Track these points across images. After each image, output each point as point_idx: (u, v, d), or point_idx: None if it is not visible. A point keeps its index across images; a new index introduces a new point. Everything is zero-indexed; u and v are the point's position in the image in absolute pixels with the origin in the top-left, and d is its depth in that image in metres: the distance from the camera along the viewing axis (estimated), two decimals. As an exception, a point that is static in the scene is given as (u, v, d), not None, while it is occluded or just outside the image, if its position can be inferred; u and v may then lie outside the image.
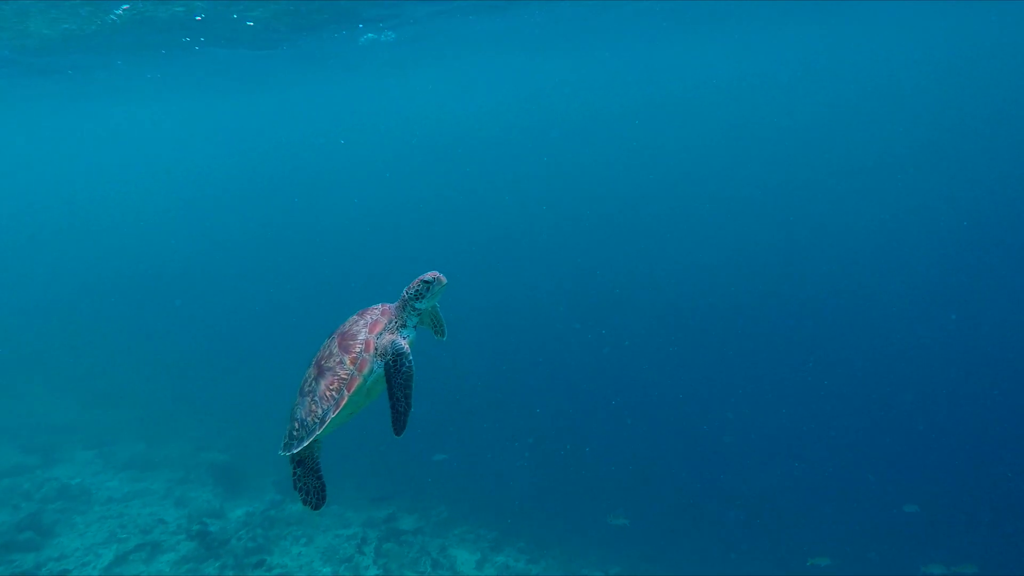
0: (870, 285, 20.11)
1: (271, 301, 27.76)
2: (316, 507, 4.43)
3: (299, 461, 4.45)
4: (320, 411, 4.16)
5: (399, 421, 4.03)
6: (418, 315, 4.24)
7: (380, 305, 4.35)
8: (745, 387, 16.91)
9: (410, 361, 4.05)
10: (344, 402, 4.11)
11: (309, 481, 4.45)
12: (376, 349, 4.14)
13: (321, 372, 4.23)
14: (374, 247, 31.64)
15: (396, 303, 4.29)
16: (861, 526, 11.95)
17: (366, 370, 4.11)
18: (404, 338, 4.18)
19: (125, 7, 13.55)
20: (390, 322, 4.23)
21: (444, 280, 4.15)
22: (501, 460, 14.80)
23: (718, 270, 24.30)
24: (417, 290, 4.16)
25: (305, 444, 4.19)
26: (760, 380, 17.09)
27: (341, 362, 4.16)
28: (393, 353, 4.08)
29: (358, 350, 4.15)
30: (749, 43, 28.86)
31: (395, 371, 4.05)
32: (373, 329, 4.19)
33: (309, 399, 4.22)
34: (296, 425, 4.26)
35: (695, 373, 17.84)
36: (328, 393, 4.16)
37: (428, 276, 4.15)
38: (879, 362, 17.11)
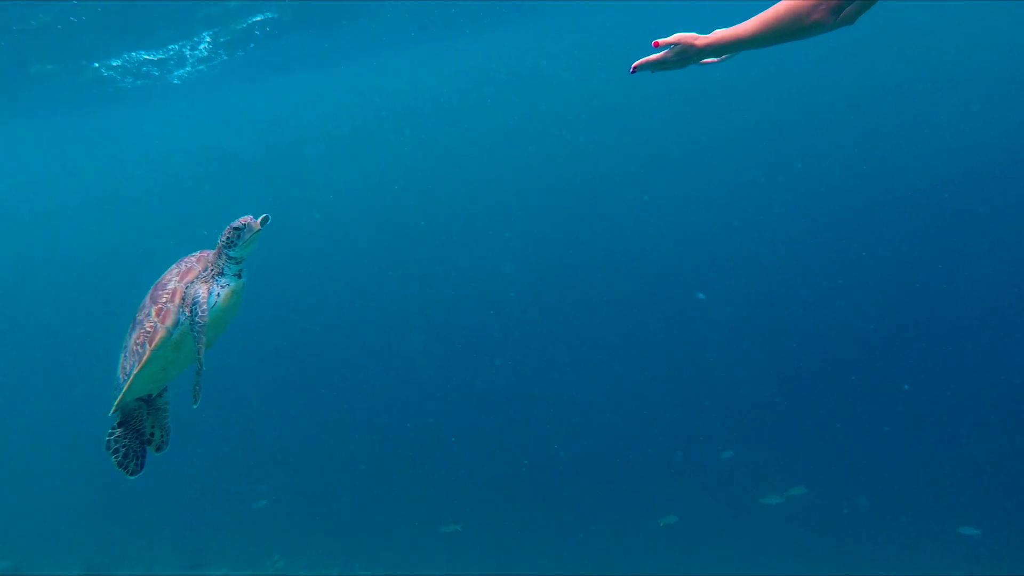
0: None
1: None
2: (132, 473, 4.09)
3: (120, 422, 4.14)
4: (127, 368, 3.93)
5: (197, 384, 3.78)
6: (236, 263, 3.90)
7: (199, 252, 4.00)
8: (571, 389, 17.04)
9: (204, 311, 3.77)
10: (147, 357, 3.83)
11: (130, 443, 4.13)
12: (184, 299, 3.83)
13: (133, 325, 3.98)
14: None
15: (211, 252, 3.94)
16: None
17: (169, 322, 3.82)
18: (224, 286, 3.87)
19: None
20: (205, 269, 3.90)
21: (257, 227, 3.80)
22: (332, 490, 14.08)
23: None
24: (228, 238, 3.83)
25: (114, 404, 3.99)
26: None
27: (148, 314, 3.90)
28: (191, 303, 3.79)
29: (163, 300, 3.86)
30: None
31: (192, 323, 3.78)
32: (184, 277, 3.88)
33: (123, 355, 4.00)
34: (115, 383, 4.01)
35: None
36: (135, 348, 3.91)
37: (238, 222, 3.82)
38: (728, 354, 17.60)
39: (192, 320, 3.78)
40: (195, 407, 3.90)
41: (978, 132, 22.45)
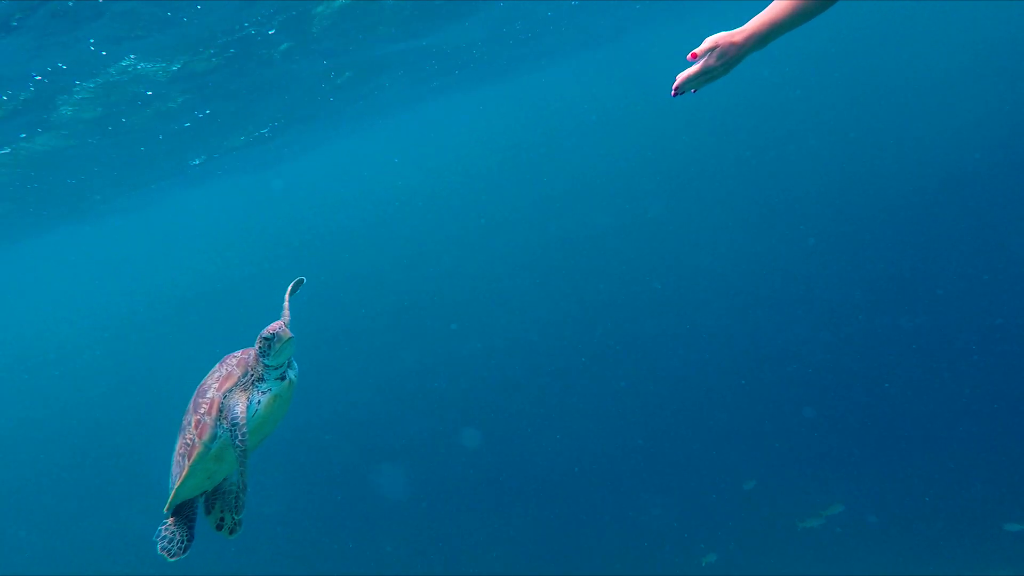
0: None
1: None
2: (173, 556, 3.97)
3: (175, 511, 4.02)
4: (174, 475, 3.82)
5: (239, 499, 3.75)
6: (276, 369, 3.69)
7: (241, 353, 3.80)
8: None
9: (244, 432, 3.56)
10: (186, 472, 3.71)
11: (178, 530, 4.01)
12: (221, 411, 3.64)
13: (180, 429, 3.84)
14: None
15: (253, 351, 3.73)
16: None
17: (206, 437, 3.66)
18: (265, 392, 3.68)
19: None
20: (244, 375, 3.70)
21: (286, 335, 3.58)
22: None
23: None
24: (260, 348, 3.64)
25: (166, 505, 3.91)
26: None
27: (189, 423, 3.76)
28: (230, 421, 3.60)
29: (202, 410, 3.69)
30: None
31: (231, 438, 3.59)
32: (223, 385, 3.69)
33: (173, 457, 3.88)
34: (170, 482, 3.91)
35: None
36: (178, 458, 3.80)
37: (267, 331, 3.62)
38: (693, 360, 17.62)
39: (232, 436, 3.61)
40: (239, 519, 3.95)
41: (979, 131, 22.60)
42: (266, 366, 3.67)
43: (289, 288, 3.86)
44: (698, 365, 17.04)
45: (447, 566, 12.76)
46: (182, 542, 4.03)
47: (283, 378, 3.72)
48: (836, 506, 9.78)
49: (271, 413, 3.74)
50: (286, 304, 3.82)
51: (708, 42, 2.63)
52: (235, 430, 3.59)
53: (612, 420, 15.99)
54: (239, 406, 3.62)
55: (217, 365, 3.83)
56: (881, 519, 10.11)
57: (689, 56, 2.66)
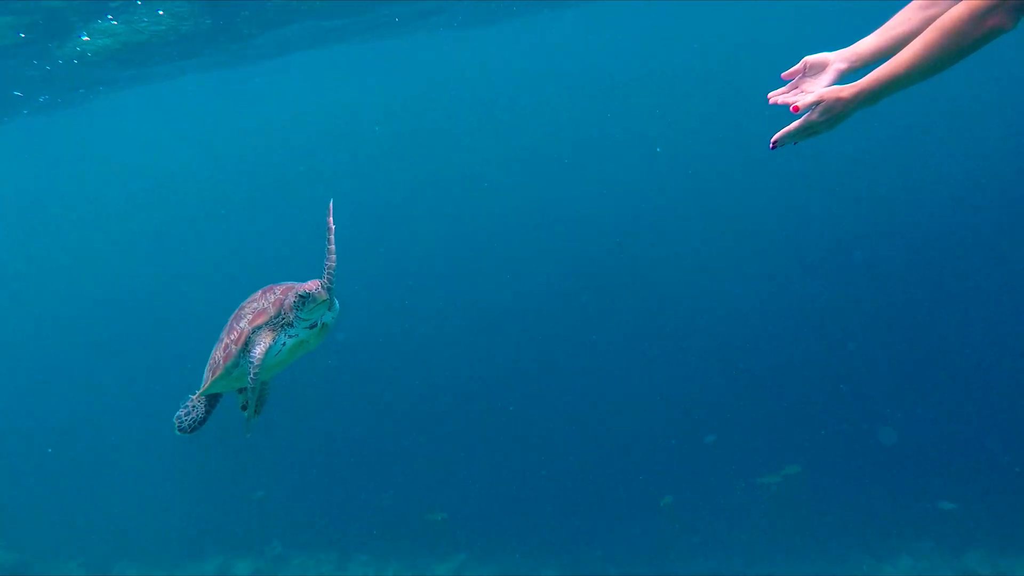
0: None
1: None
2: (182, 431, 4.36)
3: (208, 399, 4.45)
4: (204, 378, 4.26)
5: (247, 421, 4.24)
6: (306, 321, 3.94)
7: (283, 288, 4.03)
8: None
9: (256, 373, 3.91)
10: (207, 384, 4.15)
11: (198, 408, 4.40)
12: (247, 345, 3.95)
13: (219, 339, 4.22)
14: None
15: (293, 293, 3.94)
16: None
17: (229, 362, 4.01)
18: (292, 336, 3.96)
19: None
20: (277, 316, 3.94)
21: (321, 297, 3.80)
22: (329, 480, 14.21)
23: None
24: (294, 302, 3.87)
25: (198, 393, 4.33)
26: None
27: (222, 340, 4.13)
28: (248, 358, 3.96)
29: (232, 338, 4.03)
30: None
31: (248, 370, 3.98)
32: (255, 320, 3.97)
33: (209, 360, 4.28)
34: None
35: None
36: (210, 364, 4.19)
37: (303, 289, 3.83)
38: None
39: (247, 371, 3.96)
40: (247, 436, 4.35)
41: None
42: (298, 316, 3.89)
43: (330, 217, 3.84)
44: (661, 330, 17.45)
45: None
46: (195, 421, 4.35)
47: (314, 326, 3.98)
48: (794, 467, 10.44)
49: (293, 355, 4.04)
50: (331, 244, 3.83)
51: (814, 96, 2.41)
52: (250, 368, 3.91)
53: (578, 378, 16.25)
54: (259, 347, 3.91)
55: (260, 292, 4.10)
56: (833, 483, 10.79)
57: (792, 109, 2.47)
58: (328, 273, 3.83)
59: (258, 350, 3.89)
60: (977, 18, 2.21)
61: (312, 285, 3.81)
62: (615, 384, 15.65)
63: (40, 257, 31.74)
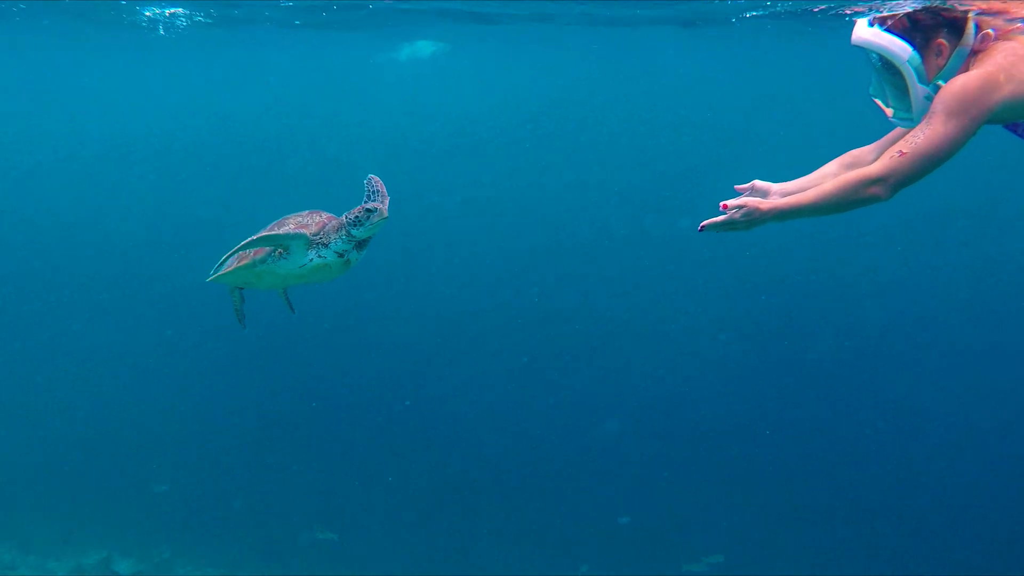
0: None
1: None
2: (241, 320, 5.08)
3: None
4: (226, 260, 4.48)
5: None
6: (350, 241, 4.24)
7: (328, 216, 4.40)
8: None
9: (250, 240, 4.30)
10: (230, 268, 4.45)
11: (237, 297, 4.98)
12: (281, 249, 4.31)
13: (257, 232, 4.45)
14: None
15: (337, 220, 4.31)
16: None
17: (259, 257, 4.33)
18: (322, 257, 4.26)
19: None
20: (316, 234, 4.27)
21: (386, 215, 4.14)
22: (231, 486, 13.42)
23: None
24: (357, 216, 4.16)
25: (211, 276, 4.61)
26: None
27: (258, 233, 4.39)
28: (283, 233, 4.30)
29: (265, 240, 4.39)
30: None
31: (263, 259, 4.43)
32: (297, 229, 4.27)
33: (239, 243, 4.45)
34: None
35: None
36: (239, 249, 4.36)
37: (371, 204, 4.18)
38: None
39: (272, 269, 4.38)
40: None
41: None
42: (347, 233, 4.20)
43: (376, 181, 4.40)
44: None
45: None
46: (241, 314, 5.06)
47: (343, 255, 4.28)
48: (717, 556, 10.06)
49: (313, 275, 4.39)
50: (382, 190, 4.39)
51: (739, 200, 3.04)
52: (278, 228, 4.40)
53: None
54: (293, 232, 4.25)
55: (307, 212, 4.43)
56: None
57: (721, 205, 3.04)
58: (385, 203, 4.25)
59: (290, 230, 4.27)
60: (863, 186, 2.96)
61: (376, 203, 4.20)
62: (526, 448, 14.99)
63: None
